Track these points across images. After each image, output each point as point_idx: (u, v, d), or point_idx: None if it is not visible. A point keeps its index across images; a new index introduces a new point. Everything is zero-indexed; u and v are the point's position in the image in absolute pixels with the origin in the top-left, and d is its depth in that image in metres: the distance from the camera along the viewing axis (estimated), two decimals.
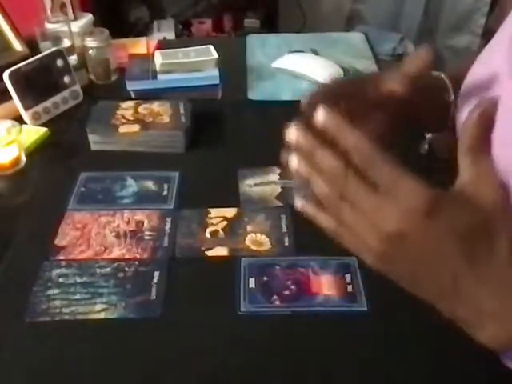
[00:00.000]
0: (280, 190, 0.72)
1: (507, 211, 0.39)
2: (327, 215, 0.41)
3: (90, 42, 0.97)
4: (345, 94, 0.54)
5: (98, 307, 0.57)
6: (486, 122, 0.40)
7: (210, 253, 0.63)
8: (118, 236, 0.65)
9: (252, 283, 0.59)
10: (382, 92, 0.55)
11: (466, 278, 0.39)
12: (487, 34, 2.29)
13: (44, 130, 0.84)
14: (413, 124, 0.64)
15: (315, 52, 1.07)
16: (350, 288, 0.58)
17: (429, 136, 0.71)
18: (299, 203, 0.43)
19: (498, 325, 0.41)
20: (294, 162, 0.42)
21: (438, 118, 0.65)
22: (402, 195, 0.37)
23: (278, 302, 0.57)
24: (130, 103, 0.86)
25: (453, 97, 0.62)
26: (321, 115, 0.40)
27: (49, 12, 1.05)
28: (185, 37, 2.30)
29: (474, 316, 0.41)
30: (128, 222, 0.67)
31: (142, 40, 1.15)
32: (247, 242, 0.65)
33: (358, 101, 0.54)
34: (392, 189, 0.38)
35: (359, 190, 0.38)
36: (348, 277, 0.59)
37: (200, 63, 0.97)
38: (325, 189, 0.40)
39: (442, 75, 0.64)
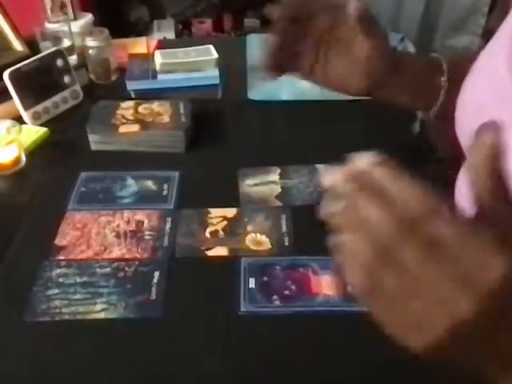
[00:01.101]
0: (280, 189, 0.72)
1: None
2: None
3: (90, 42, 0.96)
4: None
5: (98, 307, 0.57)
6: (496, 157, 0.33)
7: (210, 253, 0.63)
8: (118, 236, 0.65)
9: (252, 283, 0.59)
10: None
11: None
12: (487, 34, 2.28)
13: (44, 129, 0.84)
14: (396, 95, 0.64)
15: None
16: (350, 288, 0.58)
17: (420, 116, 0.71)
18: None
19: None
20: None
21: (425, 96, 0.65)
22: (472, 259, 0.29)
23: (278, 302, 0.57)
24: (130, 103, 0.86)
25: (444, 79, 0.62)
26: (364, 162, 0.33)
27: (49, 12, 1.06)
28: (185, 37, 2.30)
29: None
30: (128, 222, 0.67)
31: (142, 40, 1.15)
32: (247, 242, 0.65)
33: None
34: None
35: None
36: None
37: (200, 63, 0.97)
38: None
39: (441, 57, 0.64)
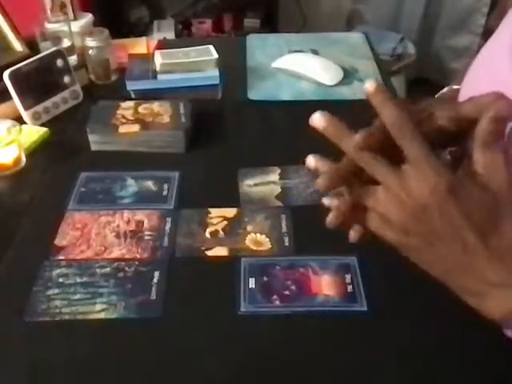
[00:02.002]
0: (280, 189, 0.72)
1: None
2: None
3: (90, 42, 0.97)
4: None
5: (98, 307, 0.57)
6: (501, 122, 0.43)
7: (209, 253, 0.63)
8: (118, 236, 0.65)
9: (252, 283, 0.59)
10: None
11: (476, 250, 0.43)
12: (487, 34, 2.28)
13: (44, 129, 0.84)
14: None
15: (315, 52, 1.07)
16: (350, 288, 0.58)
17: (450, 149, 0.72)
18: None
19: (505, 295, 0.44)
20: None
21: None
22: (428, 172, 0.41)
23: (278, 302, 0.57)
24: (130, 103, 0.86)
25: None
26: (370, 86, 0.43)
27: (49, 12, 1.05)
28: (185, 37, 2.30)
29: (482, 286, 0.45)
30: (128, 222, 0.67)
31: (142, 40, 1.15)
32: (247, 242, 0.65)
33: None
34: (419, 165, 0.42)
35: (385, 167, 0.42)
36: (348, 277, 0.59)
37: (200, 63, 0.97)
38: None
39: None
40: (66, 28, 0.99)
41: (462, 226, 0.43)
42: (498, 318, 0.46)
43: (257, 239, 0.65)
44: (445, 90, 0.67)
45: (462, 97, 0.59)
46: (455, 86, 0.65)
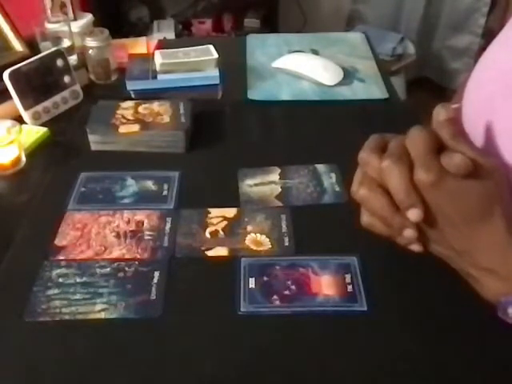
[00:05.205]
0: (280, 189, 0.72)
1: (504, 185, 0.47)
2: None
3: (90, 42, 0.97)
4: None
5: (98, 307, 0.57)
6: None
7: (209, 253, 0.63)
8: (118, 236, 0.65)
9: (252, 283, 0.59)
10: None
11: (460, 233, 0.48)
12: (487, 34, 2.29)
13: (44, 129, 0.84)
14: None
15: (315, 52, 1.07)
16: (350, 288, 0.58)
17: None
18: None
19: (496, 280, 0.48)
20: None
21: None
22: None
23: (278, 302, 0.57)
24: (130, 103, 0.86)
25: None
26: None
27: (49, 12, 1.05)
28: (185, 37, 2.30)
29: (473, 270, 0.50)
30: (128, 222, 0.67)
31: (142, 40, 1.15)
32: (247, 242, 0.65)
33: None
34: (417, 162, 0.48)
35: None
36: (348, 277, 0.59)
37: (200, 63, 0.97)
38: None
39: None
40: (66, 28, 0.99)
41: (447, 210, 0.47)
42: (490, 300, 0.50)
43: (257, 239, 0.65)
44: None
45: (468, 100, 0.59)
46: (454, 106, 0.66)
